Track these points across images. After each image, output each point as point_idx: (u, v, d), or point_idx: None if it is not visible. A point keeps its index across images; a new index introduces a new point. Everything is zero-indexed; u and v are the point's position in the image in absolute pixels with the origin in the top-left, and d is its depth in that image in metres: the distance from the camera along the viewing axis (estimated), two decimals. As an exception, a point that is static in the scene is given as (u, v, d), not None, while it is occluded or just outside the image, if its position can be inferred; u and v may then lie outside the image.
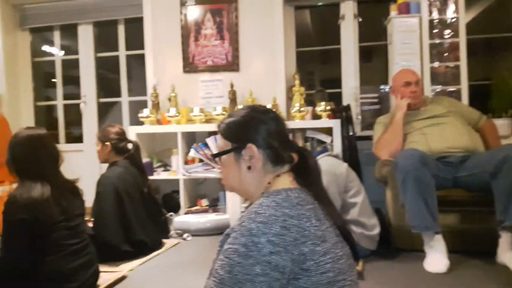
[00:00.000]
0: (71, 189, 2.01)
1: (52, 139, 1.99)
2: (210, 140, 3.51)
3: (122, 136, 2.79)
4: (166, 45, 4.01)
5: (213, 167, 3.45)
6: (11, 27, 4.37)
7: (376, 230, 2.49)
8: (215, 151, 1.10)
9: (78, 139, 4.47)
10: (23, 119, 4.44)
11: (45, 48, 4.59)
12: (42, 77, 4.65)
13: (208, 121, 3.70)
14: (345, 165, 2.54)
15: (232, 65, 3.92)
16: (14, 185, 2.09)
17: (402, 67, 3.27)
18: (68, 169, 4.19)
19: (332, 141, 3.37)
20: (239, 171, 1.05)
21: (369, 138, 3.23)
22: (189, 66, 3.99)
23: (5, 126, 4.00)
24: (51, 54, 4.54)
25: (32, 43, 4.52)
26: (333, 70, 4.06)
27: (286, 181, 1.03)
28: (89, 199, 2.60)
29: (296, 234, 0.88)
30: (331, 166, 2.42)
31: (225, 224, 3.22)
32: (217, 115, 3.59)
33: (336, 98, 3.88)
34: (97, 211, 2.57)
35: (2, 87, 4.25)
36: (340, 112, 3.46)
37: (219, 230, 3.21)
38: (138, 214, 2.68)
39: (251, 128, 1.04)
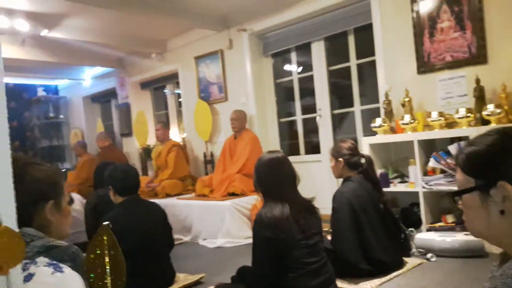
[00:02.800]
0: (307, 208, 2.09)
1: (289, 161, 2.12)
2: (452, 148, 3.10)
3: (354, 151, 2.77)
4: (397, 47, 3.79)
5: (459, 178, 3.01)
6: (257, 55, 5.02)
7: None
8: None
9: (316, 148, 4.72)
10: (269, 135, 5.02)
11: (285, 68, 5.07)
12: (283, 95, 5.15)
13: (449, 125, 3.28)
14: None
15: (478, 57, 3.35)
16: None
17: None
18: (308, 178, 4.49)
19: None
20: (488, 216, 0.82)
21: None
22: (424, 66, 3.65)
23: (257, 143, 4.63)
24: (289, 73, 4.99)
25: (273, 66, 5.08)
26: None
27: None
28: (328, 205, 2.68)
29: None
30: None
31: (477, 246, 2.76)
32: (460, 118, 3.13)
33: None
34: (334, 227, 2.61)
35: (252, 109, 4.93)
36: None
37: (469, 252, 2.78)
38: (376, 231, 2.58)
39: (502, 160, 0.80)
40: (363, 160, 2.75)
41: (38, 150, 7.53)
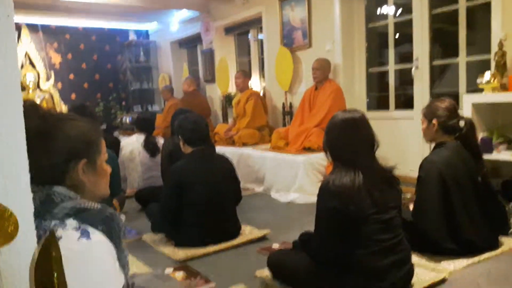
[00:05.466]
0: (386, 179, 1.80)
1: (367, 123, 1.80)
2: None
3: (452, 112, 2.32)
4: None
5: None
6: (347, -5, 4.48)
7: None
8: None
9: (408, 103, 4.20)
10: (355, 86, 4.58)
11: (379, 11, 4.48)
12: (374, 42, 4.60)
13: None
14: None
15: None
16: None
17: None
18: (397, 136, 4.06)
19: None
20: None
21: None
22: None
23: (340, 95, 4.27)
24: (384, 17, 4.40)
25: (366, 8, 4.52)
26: None
27: None
28: (417, 168, 2.32)
29: None
30: None
31: None
32: None
33: None
34: (418, 199, 2.27)
35: (338, 57, 4.49)
36: None
37: None
38: (469, 208, 2.20)
39: None
40: (462, 124, 2.30)
41: (130, 92, 7.90)
